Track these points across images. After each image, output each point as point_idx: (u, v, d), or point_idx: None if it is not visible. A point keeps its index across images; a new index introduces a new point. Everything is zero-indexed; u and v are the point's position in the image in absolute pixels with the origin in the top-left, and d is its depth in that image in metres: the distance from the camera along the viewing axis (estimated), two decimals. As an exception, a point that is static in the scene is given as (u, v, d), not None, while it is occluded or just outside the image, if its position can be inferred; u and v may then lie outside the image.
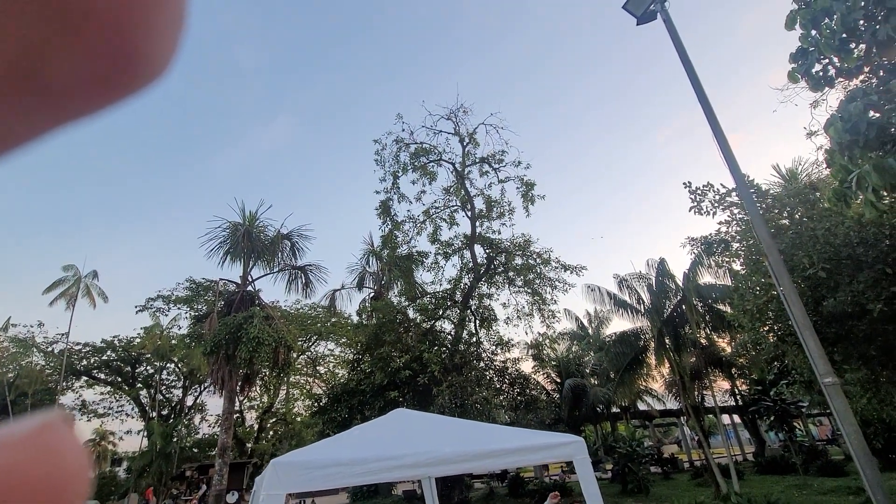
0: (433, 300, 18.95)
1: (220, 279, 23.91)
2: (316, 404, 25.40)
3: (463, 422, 4.21)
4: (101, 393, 39.70)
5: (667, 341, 15.49)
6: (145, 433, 35.83)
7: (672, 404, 26.39)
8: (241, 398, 28.57)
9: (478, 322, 19.23)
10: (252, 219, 22.78)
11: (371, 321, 19.73)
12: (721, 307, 15.93)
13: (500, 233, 19.48)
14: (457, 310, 18.90)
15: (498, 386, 17.88)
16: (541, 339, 19.31)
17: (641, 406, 26.17)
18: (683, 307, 15.76)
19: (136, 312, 34.89)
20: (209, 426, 41.59)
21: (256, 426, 41.23)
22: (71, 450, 0.13)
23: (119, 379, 38.86)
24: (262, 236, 22.70)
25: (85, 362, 36.83)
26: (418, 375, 14.94)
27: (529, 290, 18.94)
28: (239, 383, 21.45)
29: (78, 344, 36.30)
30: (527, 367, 21.03)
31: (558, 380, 21.91)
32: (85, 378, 38.27)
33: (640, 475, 16.52)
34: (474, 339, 18.85)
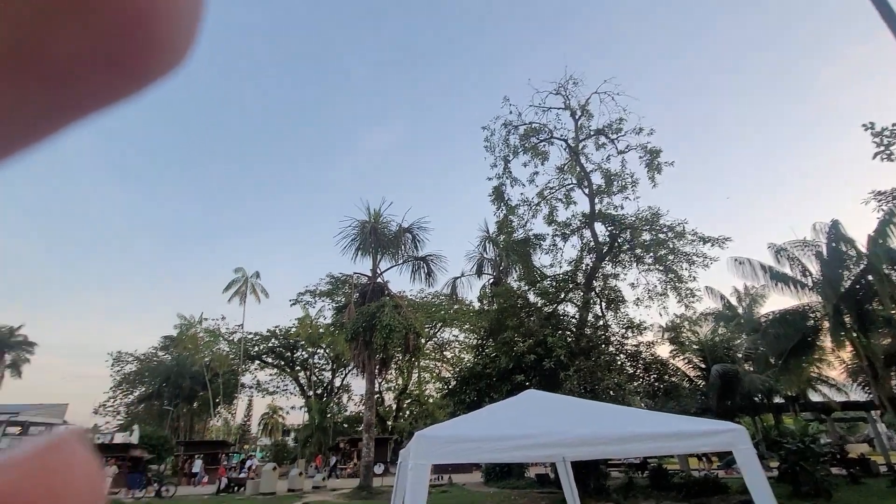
0: (553, 283, 18.41)
1: (354, 273, 26.34)
2: (445, 387, 26.78)
3: (601, 404, 4.01)
4: (270, 374, 47.16)
5: (847, 320, 12.81)
6: (305, 409, 41.61)
7: (858, 395, 21.88)
8: (380, 380, 31.32)
9: (604, 304, 18.20)
10: (376, 216, 24.60)
11: (492, 307, 19.95)
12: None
13: (622, 208, 18.10)
14: (580, 292, 18.11)
15: (631, 371, 16.73)
16: (678, 321, 17.54)
17: (815, 397, 22.19)
18: (869, 278, 12.84)
19: (291, 305, 40.60)
20: (355, 405, 46.59)
21: (394, 406, 44.93)
22: (81, 469, 0.13)
23: (282, 362, 45.62)
24: (386, 231, 24.41)
25: (257, 349, 43.99)
26: (543, 360, 14.70)
27: (661, 268, 17.29)
28: (377, 367, 23.54)
29: (251, 333, 43.59)
30: (663, 351, 19.31)
31: (703, 365, 19.66)
32: (257, 362, 45.75)
33: (818, 476, 14.04)
34: (601, 323, 17.89)
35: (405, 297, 30.01)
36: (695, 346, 20.21)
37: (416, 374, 43.78)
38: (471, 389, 16.99)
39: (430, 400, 43.61)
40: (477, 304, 32.02)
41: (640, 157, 17.67)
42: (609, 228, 18.10)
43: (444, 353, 42.22)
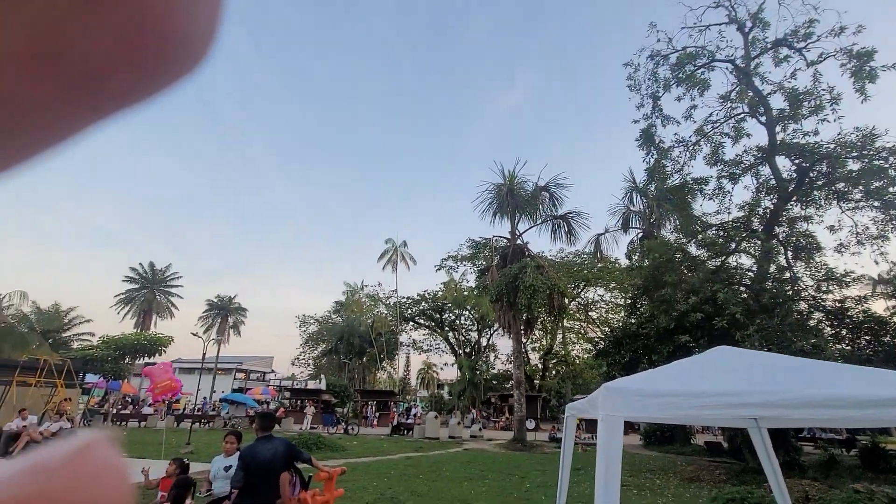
0: (722, 232, 16.02)
1: (493, 236, 26.74)
2: (593, 347, 25.93)
3: (828, 363, 3.34)
4: (423, 334, 51.67)
5: None
6: (457, 366, 44.71)
7: None
8: (526, 340, 31.78)
9: (790, 253, 15.27)
10: (511, 177, 24.33)
11: (644, 262, 18.31)
12: None
13: (815, 134, 14.60)
14: (756, 241, 15.45)
15: (833, 332, 13.88)
16: (905, 269, 13.85)
17: None
18: None
19: (436, 271, 43.46)
20: (501, 363, 48.45)
21: (540, 365, 45.44)
22: (111, 477, 0.13)
23: (433, 323, 49.46)
24: (522, 191, 24.04)
25: (410, 311, 48.40)
26: (713, 318, 13.06)
27: (877, 203, 13.67)
28: (522, 327, 23.87)
29: (404, 297, 48.06)
30: (882, 308, 15.49)
31: (943, 325, 15.25)
32: (411, 323, 50.40)
33: None
34: (787, 275, 15.10)
35: (545, 257, 29.46)
36: (930, 301, 15.74)
37: (561, 335, 43.36)
38: (625, 350, 16.11)
39: (578, 360, 42.93)
40: (624, 261, 29.89)
41: (842, 66, 13.88)
42: (796, 161, 14.85)
43: (590, 313, 40.77)
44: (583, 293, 39.25)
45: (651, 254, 16.69)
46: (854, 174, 13.81)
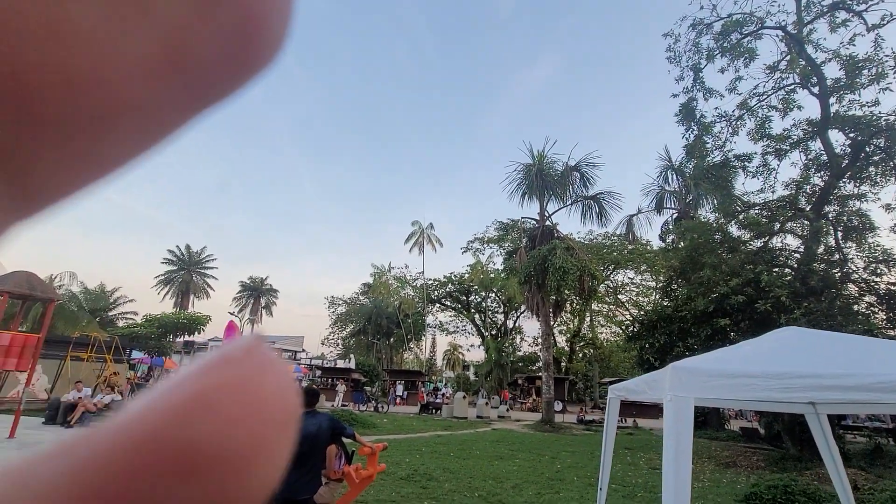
0: (766, 212, 15.25)
1: (522, 217, 26.39)
2: (623, 331, 25.44)
3: (884, 342, 3.09)
4: (450, 316, 52.04)
5: None
6: (484, 347, 44.93)
7: None
8: (553, 322, 31.58)
9: (841, 233, 14.42)
10: (541, 157, 23.79)
11: (681, 244, 17.69)
12: None
13: (876, 104, 13.54)
14: (804, 220, 14.64)
15: (886, 316, 13.12)
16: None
17: None
18: None
19: (462, 253, 43.37)
20: (528, 345, 48.39)
21: (567, 348, 45.15)
22: (279, 363, 0.14)
23: (459, 305, 49.69)
24: (552, 172, 23.51)
25: (436, 293, 48.71)
26: (755, 301, 12.53)
27: (942, 180, 12.69)
28: (551, 309, 23.63)
29: (430, 279, 48.36)
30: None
31: None
32: (438, 305, 50.77)
33: None
34: (836, 257, 14.30)
35: (574, 239, 28.99)
36: None
37: (589, 318, 42.83)
38: (659, 333, 15.71)
39: (606, 343, 42.41)
40: (657, 243, 29.04)
41: (909, 29, 12.74)
42: (851, 135, 13.87)
43: (619, 296, 40.03)
44: (612, 276, 38.51)
45: (688, 234, 16.07)
46: (916, 148, 12.82)
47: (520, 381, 39.70)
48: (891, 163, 13.71)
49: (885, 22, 13.24)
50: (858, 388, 2.26)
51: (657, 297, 24.54)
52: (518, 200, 24.44)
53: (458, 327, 52.28)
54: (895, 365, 2.51)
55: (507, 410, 26.41)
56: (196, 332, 47.42)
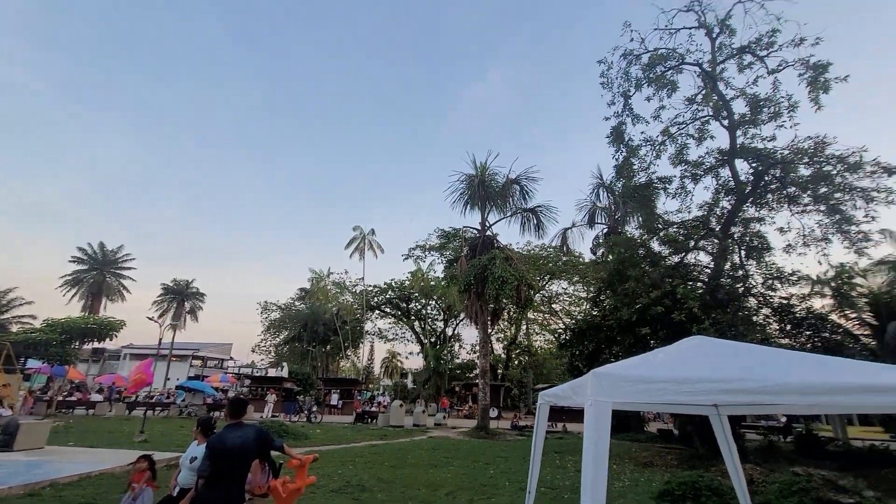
0: (682, 230, 16.69)
1: (463, 227, 26.79)
2: (556, 339, 26.58)
3: (794, 352, 3.53)
4: (389, 323, 51.46)
5: None
6: (422, 355, 44.88)
7: None
8: (491, 330, 32.22)
9: (743, 252, 16.10)
10: (483, 168, 24.37)
11: (609, 257, 18.86)
12: None
13: (773, 139, 15.39)
14: (714, 239, 16.20)
15: (778, 326, 14.80)
16: (843, 270, 14.88)
17: None
18: None
19: (403, 260, 43.20)
20: (466, 353, 49.00)
21: (504, 355, 46.27)
22: None
23: (399, 312, 49.31)
24: (493, 183, 24.14)
25: (376, 299, 48.00)
26: (672, 312, 13.64)
27: (823, 208, 14.61)
28: (489, 317, 24.13)
29: (370, 286, 47.61)
30: (821, 305, 16.63)
31: (875, 322, 16.57)
32: (377, 311, 50.05)
33: None
34: (740, 273, 15.93)
35: (513, 249, 29.86)
36: (864, 300, 17.04)
37: (525, 326, 44.25)
38: (588, 341, 16.59)
39: (540, 351, 44.01)
40: (589, 256, 30.70)
41: (800, 75, 14.64)
42: (753, 165, 15.62)
43: (553, 305, 41.78)
44: (548, 286, 40.13)
45: (615, 249, 17.19)
46: (804, 179, 14.68)
47: (457, 389, 40.06)
48: (784, 191, 15.58)
49: (781, 68, 15.12)
50: (754, 391, 2.55)
51: (587, 306, 25.89)
52: (460, 210, 24.82)
53: (397, 335, 51.84)
54: (784, 370, 2.86)
55: (444, 418, 26.49)
56: (107, 339, 43.08)
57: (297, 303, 53.26)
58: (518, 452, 14.70)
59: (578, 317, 29.59)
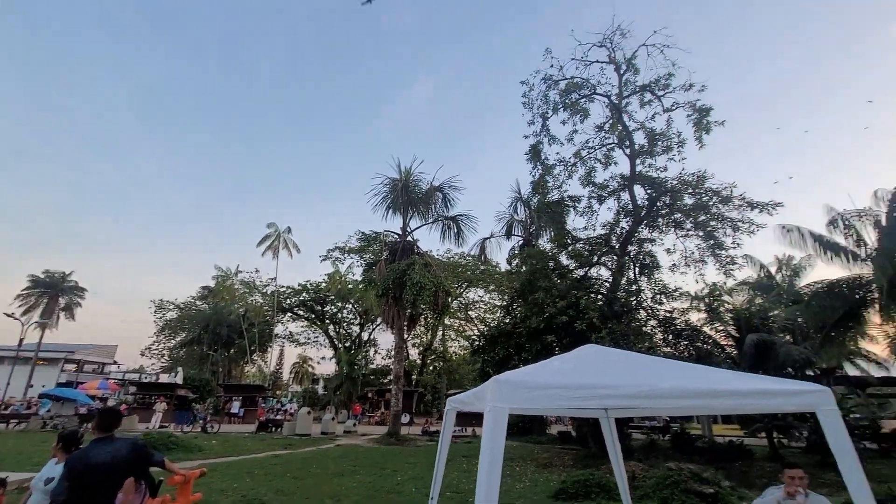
0: (587, 246, 18.09)
1: (384, 231, 26.60)
2: (471, 345, 27.29)
3: (669, 361, 3.96)
4: (301, 326, 49.15)
5: (901, 293, 12.20)
6: (335, 360, 43.42)
7: (897, 372, 21.25)
8: (407, 336, 32.14)
9: (637, 269, 17.85)
10: (407, 174, 24.43)
11: (522, 268, 19.84)
12: None
13: (665, 170, 17.33)
14: (614, 256, 17.77)
15: (662, 337, 16.58)
16: (715, 289, 17.11)
17: (852, 371, 21.62)
18: (932, 250, 12.11)
19: (321, 261, 41.61)
20: (381, 358, 48.35)
21: (419, 361, 46.39)
22: None
23: (313, 315, 47.32)
24: (417, 189, 24.28)
25: (288, 301, 45.63)
26: (574, 322, 14.69)
27: (702, 234, 16.70)
28: (405, 322, 24.11)
29: (283, 287, 45.16)
30: (696, 319, 18.97)
31: (736, 335, 19.29)
32: (289, 314, 47.58)
33: (850, 449, 13.88)
34: (633, 288, 17.61)
35: (433, 256, 30.17)
36: (729, 316, 19.78)
37: (441, 332, 44.83)
38: (499, 348, 17.23)
39: (455, 357, 44.81)
40: (505, 266, 32.00)
41: (688, 116, 16.70)
42: (649, 191, 17.44)
43: (469, 312, 42.85)
44: (465, 293, 41.11)
45: (528, 260, 18.15)
46: (688, 207, 16.71)
47: (370, 395, 39.34)
48: (672, 217, 17.57)
49: (674, 107, 17.14)
50: (634, 395, 2.83)
51: (501, 314, 26.92)
52: (382, 213, 24.61)
53: (309, 338, 49.67)
54: (663, 377, 3.22)
55: (355, 425, 25.84)
56: (-53, 339, 35.96)
57: (198, 302, 48.88)
58: (427, 458, 14.78)
59: (493, 324, 30.65)
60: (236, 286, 45.87)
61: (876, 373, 21.48)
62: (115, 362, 55.64)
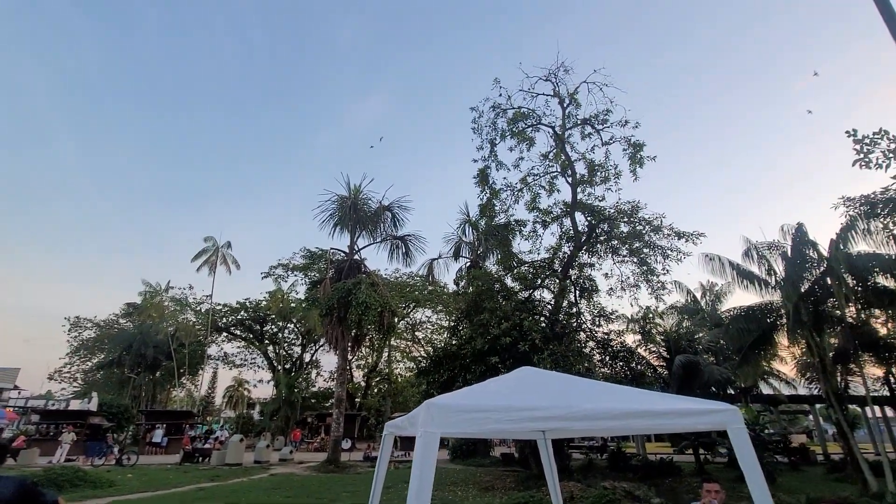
0: (531, 269, 18.66)
1: (331, 248, 25.96)
2: (417, 366, 27.00)
3: (597, 382, 4.12)
4: (238, 347, 46.37)
5: (804, 319, 13.56)
6: (274, 383, 41.19)
7: (804, 390, 23.41)
8: (351, 357, 31.24)
9: (578, 292, 18.60)
10: (356, 191, 24.16)
11: (469, 289, 20.08)
12: (883, 281, 13.48)
13: (603, 199, 18.40)
14: (556, 279, 18.44)
15: (600, 358, 17.28)
16: (648, 312, 18.16)
17: (766, 389, 23.58)
18: (828, 280, 13.59)
19: (262, 278, 39.73)
20: (324, 380, 46.50)
21: (363, 383, 45.06)
22: None
23: (251, 335, 44.85)
24: (365, 207, 24.03)
25: (225, 320, 43.02)
26: (518, 343, 14.98)
27: (636, 260, 17.78)
28: (350, 343, 23.43)
29: (219, 304, 42.54)
30: (631, 340, 20.02)
31: (666, 356, 20.52)
32: (225, 333, 44.83)
33: (764, 462, 15.01)
34: (574, 310, 18.31)
35: (380, 275, 29.82)
36: (660, 338, 21.03)
37: (387, 353, 43.96)
38: (444, 369, 17.16)
39: (400, 379, 43.97)
40: (452, 287, 32.20)
41: (624, 150, 17.93)
42: (588, 218, 18.39)
43: (416, 333, 42.44)
44: (412, 313, 40.76)
45: (475, 282, 18.41)
46: (624, 235, 17.79)
47: (310, 420, 37.57)
48: (610, 243, 18.61)
49: (611, 141, 18.38)
50: (567, 417, 2.92)
51: (447, 335, 26.93)
52: (329, 231, 24.06)
53: (246, 360, 46.93)
54: (592, 399, 3.34)
55: (291, 452, 24.47)
56: None
57: (121, 320, 44.84)
58: (367, 485, 14.20)
59: (439, 345, 30.57)
60: (166, 303, 42.67)
61: (786, 391, 23.57)
62: (15, 387, 49.43)
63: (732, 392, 23.32)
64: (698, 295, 26.28)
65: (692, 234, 16.61)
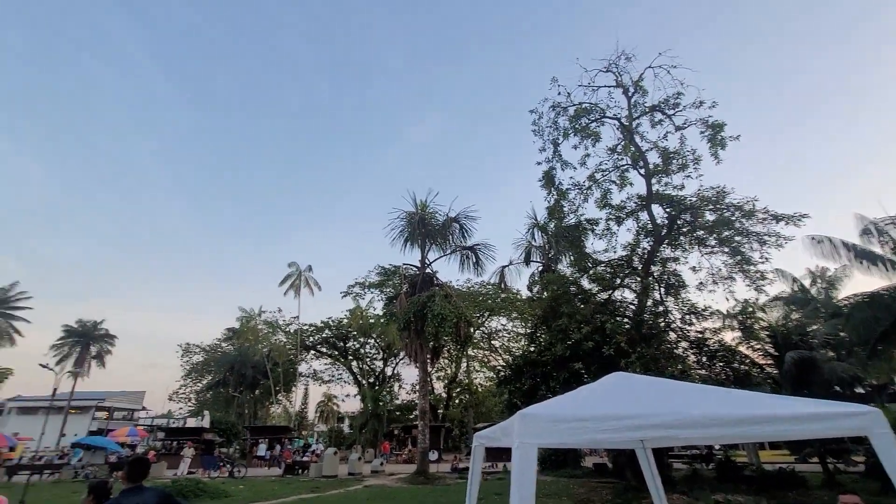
0: (609, 269, 17.78)
1: (403, 264, 26.68)
2: (496, 376, 26.76)
3: (703, 386, 3.79)
4: (325, 363, 49.08)
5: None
6: (360, 397, 42.94)
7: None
8: (431, 369, 31.66)
9: (663, 290, 17.39)
10: (423, 206, 24.72)
11: (544, 294, 19.57)
12: None
13: (682, 188, 17.11)
14: (637, 277, 17.39)
15: (696, 359, 15.94)
16: (747, 306, 16.47)
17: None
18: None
19: (342, 297, 41.85)
20: (406, 393, 47.57)
21: (445, 394, 45.45)
22: None
23: (336, 352, 47.26)
24: (433, 221, 24.49)
25: (312, 339, 45.81)
26: (601, 347, 14.28)
27: (727, 250, 16.27)
28: (429, 355, 23.82)
29: (306, 325, 45.48)
30: (730, 338, 18.21)
31: (775, 353, 18.39)
32: (313, 351, 47.66)
33: (914, 472, 12.80)
34: (661, 309, 17.12)
35: (453, 286, 30.07)
36: (764, 333, 18.91)
37: (465, 363, 44.05)
38: (525, 378, 16.81)
39: (480, 389, 43.79)
40: (525, 293, 31.63)
41: (702, 133, 16.59)
42: (667, 210, 17.19)
43: (493, 342, 42.12)
44: (487, 322, 40.56)
45: (549, 286, 17.90)
46: (710, 224, 16.37)
47: (396, 432, 38.54)
48: (694, 234, 17.22)
49: (686, 125, 17.09)
50: (671, 425, 2.70)
51: (525, 342, 26.42)
52: (400, 247, 24.80)
53: (333, 376, 49.43)
54: (697, 404, 3.07)
55: (382, 464, 25.23)
56: (-13, 391, 37.14)
57: (223, 344, 49.47)
58: (457, 497, 14.24)
59: (517, 353, 30.07)
60: (260, 326, 46.41)
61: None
62: (143, 408, 56.24)
63: (862, 391, 20.34)
64: (807, 283, 23.42)
65: (793, 217, 14.87)
